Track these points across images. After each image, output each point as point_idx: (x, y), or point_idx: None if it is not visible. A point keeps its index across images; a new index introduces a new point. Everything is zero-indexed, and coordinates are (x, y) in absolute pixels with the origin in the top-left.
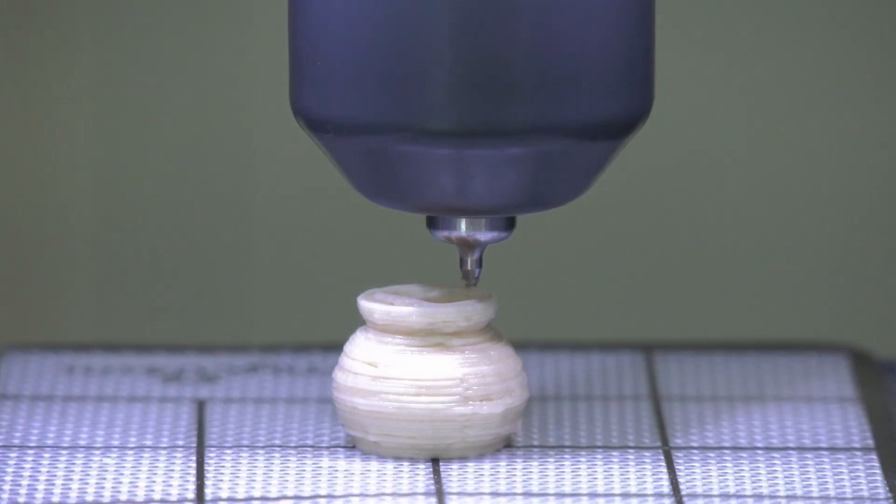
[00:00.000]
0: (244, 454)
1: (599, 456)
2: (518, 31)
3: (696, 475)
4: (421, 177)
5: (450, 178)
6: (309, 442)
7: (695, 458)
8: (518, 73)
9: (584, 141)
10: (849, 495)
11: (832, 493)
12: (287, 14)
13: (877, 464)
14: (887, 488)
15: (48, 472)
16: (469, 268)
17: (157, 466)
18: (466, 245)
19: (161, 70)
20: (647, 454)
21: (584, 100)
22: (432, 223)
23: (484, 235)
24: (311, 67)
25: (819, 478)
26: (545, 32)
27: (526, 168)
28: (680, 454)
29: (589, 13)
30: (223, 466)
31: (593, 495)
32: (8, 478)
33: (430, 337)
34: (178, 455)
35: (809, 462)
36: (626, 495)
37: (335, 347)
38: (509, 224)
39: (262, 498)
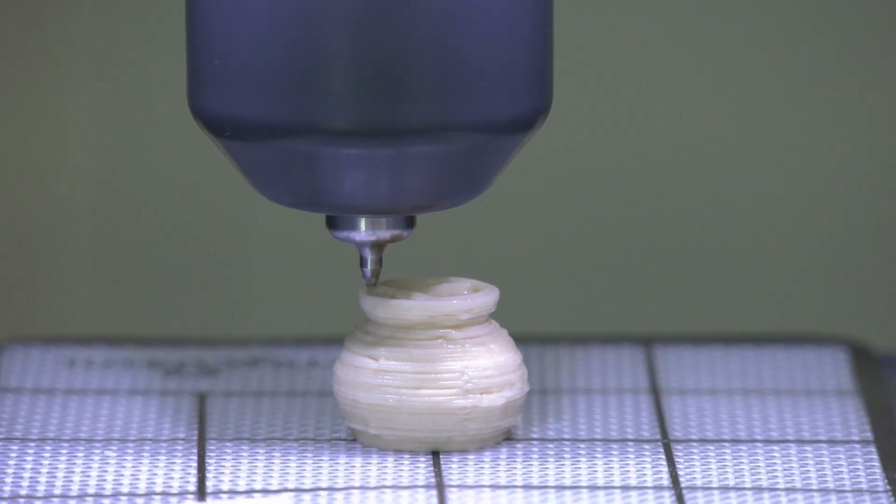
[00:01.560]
0: (245, 447)
1: (599, 449)
2: (417, 30)
3: (696, 468)
4: (322, 177)
5: (351, 177)
6: (310, 435)
7: (694, 450)
8: (418, 72)
9: (485, 138)
10: (847, 487)
11: (831, 485)
12: (185, 11)
13: (875, 456)
14: (885, 481)
15: (50, 464)
16: (374, 267)
17: (158, 459)
18: (379, 246)
19: (160, 65)
20: (646, 447)
21: (484, 97)
22: (332, 223)
23: (389, 233)
24: (208, 66)
25: (818, 470)
26: (444, 30)
27: (429, 166)
28: (679, 447)
29: (488, 11)
30: (224, 459)
31: (593, 488)
32: (10, 470)
33: (431, 330)
34: (179, 448)
35: (808, 455)
36: (625, 488)
37: (336, 341)
38: (410, 221)
39: (263, 490)
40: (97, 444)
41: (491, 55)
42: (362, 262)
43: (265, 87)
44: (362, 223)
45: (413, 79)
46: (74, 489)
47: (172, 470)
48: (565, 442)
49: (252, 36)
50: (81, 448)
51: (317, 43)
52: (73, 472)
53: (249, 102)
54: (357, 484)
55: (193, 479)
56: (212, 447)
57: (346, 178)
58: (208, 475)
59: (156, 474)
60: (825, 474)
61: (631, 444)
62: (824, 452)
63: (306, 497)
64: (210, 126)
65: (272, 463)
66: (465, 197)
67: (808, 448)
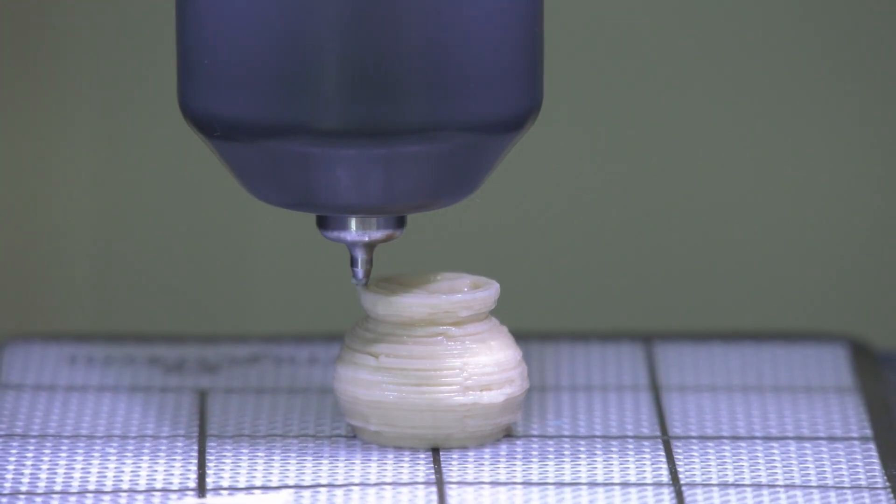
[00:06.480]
0: (245, 444)
1: (599, 445)
2: (407, 30)
3: (696, 464)
4: (313, 177)
5: (342, 177)
6: (310, 432)
7: (694, 447)
8: (408, 72)
9: (476, 137)
10: (847, 484)
11: (830, 482)
12: (175, 11)
13: (874, 453)
14: (885, 477)
15: (50, 461)
16: (365, 267)
17: (158, 456)
18: (370, 246)
19: (156, 66)
20: (646, 444)
21: (474, 97)
22: (323, 223)
23: (380, 233)
24: (198, 66)
25: (817, 467)
26: (434, 31)
27: (420, 166)
28: (679, 444)
29: (477, 11)
30: (224, 456)
31: (593, 485)
32: (10, 467)
33: (431, 327)
34: (180, 445)
35: (808, 451)
36: (625, 485)
37: (336, 338)
38: (401, 221)
39: (263, 487)
40: (98, 441)
41: (481, 55)
42: (353, 262)
43: (254, 87)
44: (353, 223)
45: (403, 79)
46: (74, 486)
47: (173, 466)
48: (565, 439)
49: (241, 36)
50: (82, 445)
51: (306, 43)
52: (73, 468)
53: (239, 102)
54: (357, 481)
55: (194, 476)
56: (212, 444)
57: (337, 178)
58: (208, 472)
59: (156, 471)
60: (824, 471)
61: (631, 440)
62: (824, 449)
63: (306, 494)
64: (200, 126)
65: (272, 460)
66: (457, 197)
67: (808, 445)
